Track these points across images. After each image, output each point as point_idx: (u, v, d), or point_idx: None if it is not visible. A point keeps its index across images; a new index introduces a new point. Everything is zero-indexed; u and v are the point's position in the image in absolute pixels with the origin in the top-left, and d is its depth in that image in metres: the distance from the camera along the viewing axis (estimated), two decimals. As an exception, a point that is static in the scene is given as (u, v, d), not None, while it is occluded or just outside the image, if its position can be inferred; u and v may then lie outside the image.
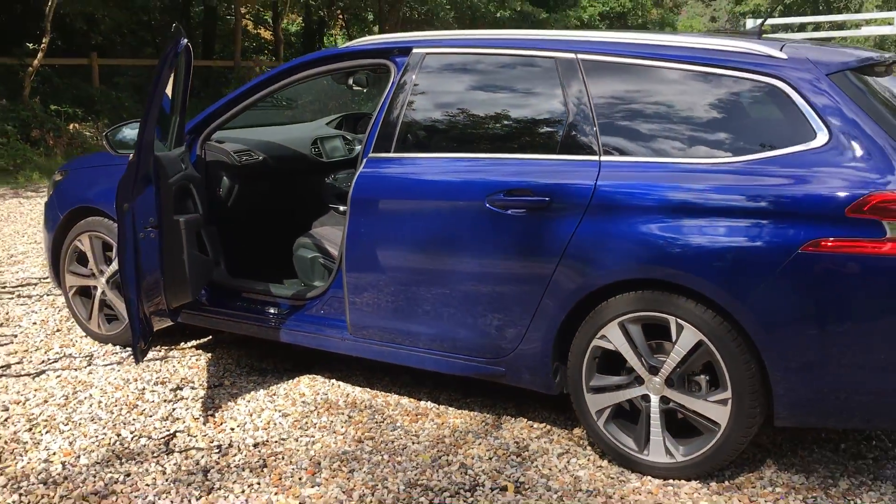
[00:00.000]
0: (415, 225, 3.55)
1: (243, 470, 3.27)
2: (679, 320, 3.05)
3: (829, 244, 2.80)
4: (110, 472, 3.24)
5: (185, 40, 3.49)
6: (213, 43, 21.25)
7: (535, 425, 3.65)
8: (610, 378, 3.26)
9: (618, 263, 3.13)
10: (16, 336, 4.84)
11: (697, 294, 3.00)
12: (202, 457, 3.38)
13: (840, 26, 21.99)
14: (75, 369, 4.30)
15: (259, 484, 3.16)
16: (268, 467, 3.29)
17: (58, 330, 4.93)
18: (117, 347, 4.59)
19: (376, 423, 3.69)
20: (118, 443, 3.49)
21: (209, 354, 4.51)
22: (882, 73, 3.40)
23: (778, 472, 3.23)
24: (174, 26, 3.47)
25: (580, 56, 3.38)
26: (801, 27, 27.24)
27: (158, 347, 4.58)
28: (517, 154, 3.43)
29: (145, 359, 4.31)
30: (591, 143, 3.26)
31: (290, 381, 4.15)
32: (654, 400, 3.16)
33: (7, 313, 5.26)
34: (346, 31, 25.71)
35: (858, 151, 2.86)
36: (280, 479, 3.20)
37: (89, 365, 4.37)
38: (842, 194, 2.82)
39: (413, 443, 3.50)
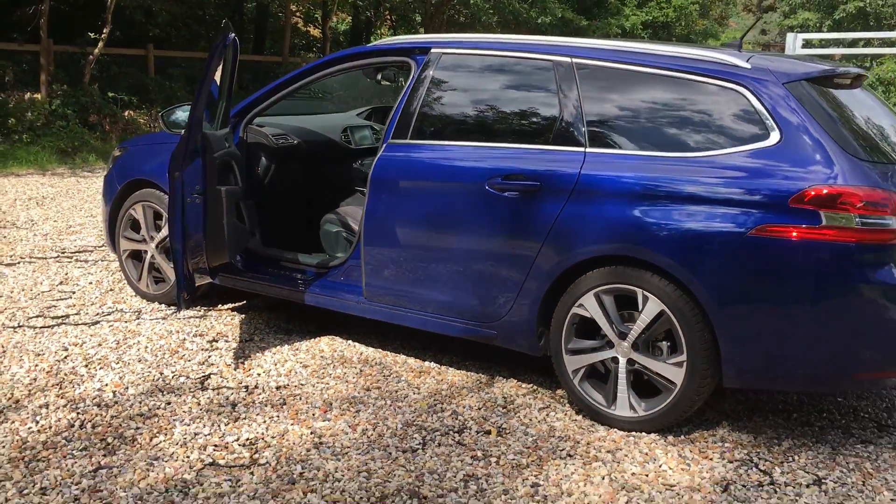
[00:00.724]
0: (424, 203, 4.05)
1: (266, 406, 3.80)
2: (645, 292, 3.51)
3: (774, 230, 3.25)
4: (153, 400, 3.79)
5: (233, 35, 4.04)
6: (264, 39, 22.00)
7: (523, 385, 4.13)
8: (585, 342, 3.74)
9: (595, 241, 3.60)
10: (74, 293, 5.44)
11: (661, 270, 3.46)
12: (231, 394, 3.91)
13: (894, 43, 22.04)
14: (125, 321, 4.88)
15: (278, 417, 3.69)
16: (287, 405, 3.82)
17: (111, 289, 5.52)
18: (163, 306, 5.16)
19: (384, 376, 4.20)
20: (161, 379, 4.04)
21: (243, 315, 5.06)
22: (846, 86, 3.85)
23: (730, 432, 3.68)
24: (224, 22, 4.02)
25: (575, 60, 3.86)
26: (853, 43, 27.12)
27: (199, 308, 5.14)
28: (515, 143, 3.92)
29: (187, 315, 4.87)
30: (579, 135, 3.74)
31: (312, 339, 4.68)
32: (622, 362, 3.63)
33: (66, 274, 5.87)
34: (394, 31, 26.33)
35: (804, 151, 3.30)
36: (296, 414, 3.72)
37: (138, 318, 4.94)
38: (786, 187, 3.27)
39: (414, 393, 4.00)
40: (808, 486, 3.23)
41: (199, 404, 3.78)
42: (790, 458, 3.46)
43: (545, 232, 3.70)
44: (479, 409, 3.86)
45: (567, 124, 3.79)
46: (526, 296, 3.80)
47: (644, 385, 3.66)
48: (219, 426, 3.57)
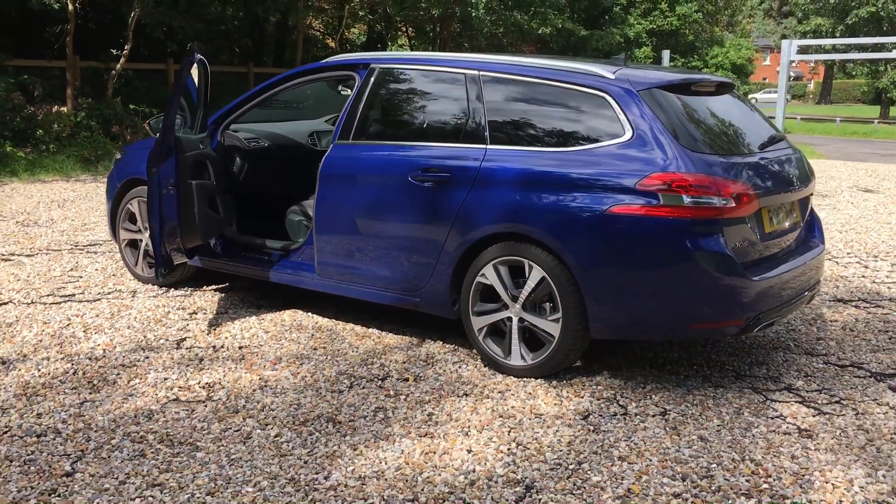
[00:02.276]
0: (362, 194, 4.86)
1: (227, 360, 4.63)
2: (530, 262, 4.29)
3: (625, 208, 4.02)
4: (135, 355, 4.64)
5: (199, 55, 4.88)
6: (283, 52, 23.05)
7: (447, 345, 4.92)
8: (487, 305, 4.52)
9: (491, 222, 4.38)
10: (81, 277, 6.32)
11: (541, 244, 4.24)
12: (200, 351, 4.75)
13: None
14: (122, 299, 5.74)
15: (235, 367, 4.51)
16: (244, 359, 4.64)
17: (114, 274, 6.40)
18: (155, 287, 6.01)
19: (331, 339, 5.01)
20: (144, 341, 4.89)
21: (222, 294, 5.91)
22: (709, 93, 4.61)
23: (606, 378, 4.44)
24: (189, 45, 4.86)
25: (481, 73, 4.65)
26: (863, 48, 27.45)
27: (186, 287, 6.00)
28: (433, 142, 4.72)
29: (175, 293, 5.73)
30: (482, 134, 4.53)
31: (277, 311, 5.51)
32: (515, 320, 4.41)
33: (76, 262, 6.76)
34: (410, 43, 27.29)
35: (649, 145, 4.07)
36: (251, 366, 4.55)
37: (133, 296, 5.80)
38: (634, 174, 4.03)
39: (353, 351, 4.81)
40: (653, 416, 3.98)
41: (172, 359, 4.62)
42: (648, 397, 4.22)
43: (454, 215, 4.49)
44: (404, 362, 4.65)
45: (473, 125, 4.58)
46: (440, 269, 4.59)
47: (534, 340, 4.42)
48: (185, 374, 4.40)
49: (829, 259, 7.54)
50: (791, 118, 35.18)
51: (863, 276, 6.90)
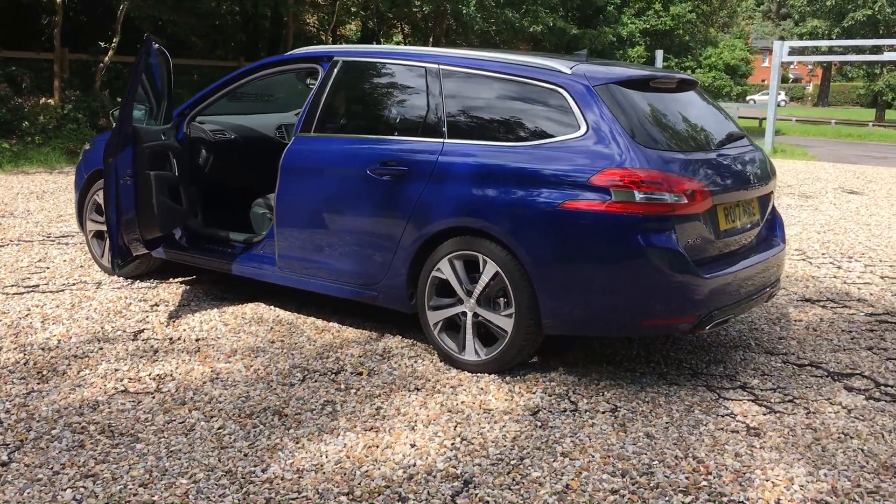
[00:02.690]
0: (322, 187, 4.84)
1: (182, 352, 4.61)
2: (484, 257, 4.27)
3: (577, 204, 4.00)
4: (90, 346, 4.62)
5: (157, 45, 4.86)
6: (277, 46, 23.01)
7: (406, 339, 4.90)
8: (443, 300, 4.50)
9: (447, 216, 4.36)
10: (48, 268, 6.29)
11: (495, 238, 4.22)
12: (156, 343, 4.73)
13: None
14: (86, 290, 5.72)
15: (189, 360, 4.49)
16: (199, 351, 4.62)
17: (81, 266, 6.37)
18: (120, 278, 5.99)
19: (289, 332, 4.99)
20: (101, 332, 4.86)
21: (187, 286, 5.88)
22: (669, 89, 4.59)
23: (561, 374, 4.42)
24: (146, 35, 4.84)
25: (441, 66, 4.63)
26: (860, 50, 27.42)
27: (151, 280, 5.98)
28: (392, 135, 4.70)
29: (140, 285, 5.70)
30: (440, 128, 4.51)
31: (240, 304, 5.49)
32: (469, 315, 4.39)
33: (46, 253, 6.73)
34: (405, 40, 27.26)
35: (602, 140, 4.05)
36: (205, 358, 4.53)
37: (98, 288, 5.78)
38: (587, 169, 4.01)
39: (310, 345, 4.79)
40: (603, 413, 3.97)
41: (126, 350, 4.60)
42: (600, 394, 4.20)
43: (410, 209, 4.47)
44: (360, 356, 4.63)
45: (432, 119, 4.56)
46: (397, 262, 4.57)
47: (489, 335, 4.40)
48: (137, 365, 4.38)
49: (803, 259, 7.53)
50: (786, 120, 35.17)
51: (834, 277, 6.88)
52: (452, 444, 3.61)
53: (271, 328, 5.05)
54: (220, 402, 3.96)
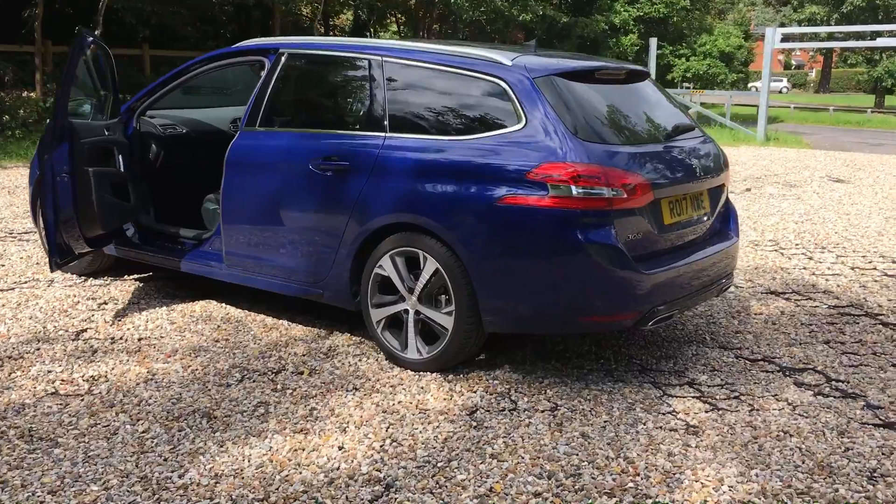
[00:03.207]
0: (265, 183, 4.75)
1: (122, 352, 4.53)
2: (425, 253, 4.18)
3: (515, 199, 3.90)
4: (27, 347, 4.54)
5: (91, 38, 4.76)
6: (269, 35, 22.90)
7: (354, 337, 4.82)
8: (386, 297, 4.41)
9: (387, 212, 4.27)
10: (3, 265, 6.22)
11: (435, 235, 4.13)
12: (97, 343, 4.65)
13: None
14: (36, 288, 5.64)
15: (127, 360, 4.41)
16: (140, 351, 4.54)
17: (37, 263, 6.30)
18: (74, 277, 5.91)
19: (236, 331, 4.91)
20: (42, 332, 4.79)
21: (140, 284, 5.81)
22: (619, 80, 4.49)
23: (506, 373, 4.33)
24: (77, 29, 4.74)
25: (385, 59, 4.53)
26: (860, 36, 27.04)
27: (105, 277, 5.90)
28: (335, 129, 4.60)
29: (92, 283, 5.62)
30: (382, 122, 4.41)
31: (190, 302, 5.40)
32: (411, 313, 4.30)
33: (4, 250, 6.66)
34: (399, 30, 27.14)
35: (541, 134, 3.95)
36: (144, 358, 4.45)
37: (49, 286, 5.70)
38: (524, 164, 3.92)
39: (255, 343, 4.71)
40: (542, 412, 3.88)
41: (65, 350, 4.52)
42: (543, 392, 4.11)
43: (351, 205, 4.38)
44: (304, 355, 4.55)
45: (374, 113, 4.46)
46: (341, 259, 4.49)
47: (431, 333, 4.32)
48: (72, 366, 4.30)
49: (776, 250, 7.43)
50: (784, 107, 34.94)
51: (804, 268, 6.78)
52: (381, 446, 3.53)
53: (218, 326, 4.97)
54: (149, 404, 3.88)
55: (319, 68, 4.89)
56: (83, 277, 5.89)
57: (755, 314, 5.48)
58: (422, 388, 4.13)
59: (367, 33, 25.80)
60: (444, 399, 4.01)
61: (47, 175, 4.67)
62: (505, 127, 4.06)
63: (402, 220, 4.23)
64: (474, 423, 3.75)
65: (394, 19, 27.50)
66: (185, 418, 3.75)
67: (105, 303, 5.36)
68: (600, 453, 3.48)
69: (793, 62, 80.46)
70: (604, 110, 4.28)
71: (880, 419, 3.90)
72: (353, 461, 3.39)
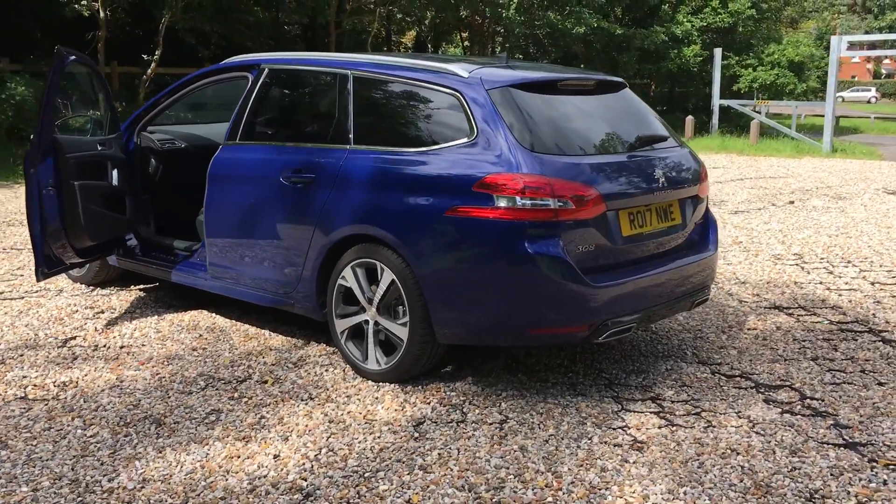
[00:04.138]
0: (242, 195, 4.85)
1: (100, 359, 4.67)
2: (382, 265, 4.20)
3: (463, 210, 3.90)
4: (12, 353, 4.73)
5: (73, 57, 4.95)
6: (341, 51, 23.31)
7: (327, 349, 4.86)
8: (349, 308, 4.45)
9: (348, 223, 4.31)
10: (22, 275, 6.48)
11: (390, 246, 4.15)
12: (81, 350, 4.81)
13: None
14: (43, 297, 5.86)
15: (103, 367, 4.55)
16: (117, 359, 4.68)
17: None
18: (83, 286, 6.13)
19: (216, 340, 5.01)
20: (33, 339, 4.98)
21: (142, 294, 5.98)
22: (580, 92, 4.44)
23: (467, 384, 4.32)
24: (56, 48, 4.92)
25: (353, 72, 4.59)
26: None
27: (113, 287, 6.10)
28: (305, 143, 4.68)
29: (99, 292, 5.82)
30: (347, 134, 4.46)
31: (183, 312, 5.54)
32: (371, 323, 4.33)
33: (28, 261, 6.94)
34: (463, 45, 27.30)
35: (490, 145, 3.94)
36: (118, 365, 4.58)
37: (57, 295, 5.92)
38: (472, 175, 3.91)
39: (229, 353, 4.80)
40: (490, 424, 3.85)
41: (47, 357, 4.69)
42: (497, 405, 4.08)
43: (317, 217, 4.44)
44: (273, 364, 4.61)
45: (341, 126, 4.52)
46: (308, 270, 4.54)
47: (390, 343, 4.33)
48: (48, 372, 4.46)
49: (796, 264, 7.20)
50: (864, 117, 33.77)
51: (820, 283, 6.56)
52: (316, 455, 3.56)
53: (200, 336, 5.09)
54: (106, 409, 4.00)
55: (295, 83, 4.98)
56: (91, 287, 6.10)
57: (748, 329, 5.32)
58: (377, 398, 4.15)
59: (429, 49, 26.04)
60: (395, 410, 4.01)
61: (33, 189, 4.86)
62: (458, 139, 4.06)
63: (361, 231, 4.26)
64: (416, 435, 3.75)
65: (458, 35, 27.71)
66: (135, 424, 3.84)
67: (102, 312, 5.54)
68: (531, 467, 3.44)
69: (882, 71, 77.67)
70: (562, 121, 4.23)
71: (844, 439, 3.75)
72: (282, 469, 3.43)
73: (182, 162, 5.97)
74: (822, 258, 7.47)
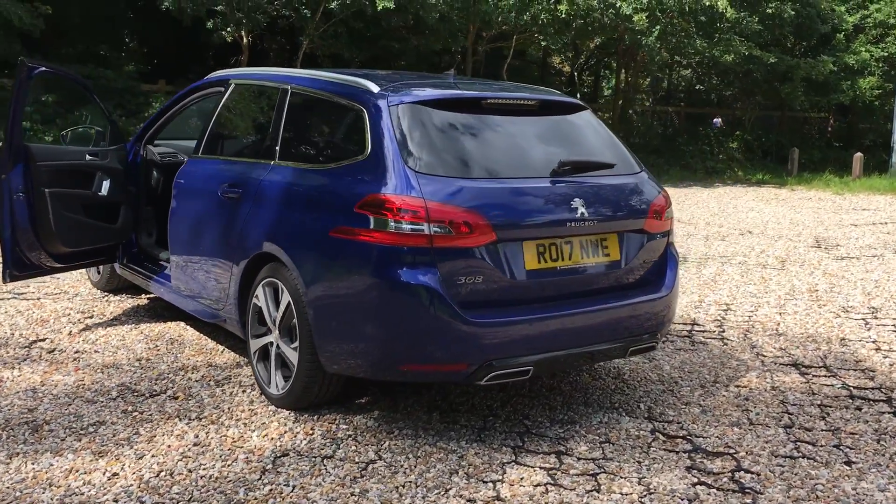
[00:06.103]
0: (192, 208, 4.83)
1: (47, 363, 4.77)
2: (282, 285, 4.03)
3: (344, 230, 3.66)
4: (-25, 352, 4.92)
5: (38, 70, 5.10)
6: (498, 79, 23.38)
7: (263, 369, 4.73)
8: (261, 328, 4.29)
9: (258, 241, 4.17)
10: (59, 277, 6.79)
11: (288, 265, 3.97)
12: (35, 353, 4.93)
13: None
14: (53, 298, 6.11)
15: (40, 370, 4.63)
16: (60, 363, 4.76)
17: (79, 279, 6.81)
18: (96, 291, 6.34)
19: (167, 352, 5.00)
20: (6, 338, 5.16)
21: (144, 303, 6.10)
22: (515, 112, 4.09)
23: (366, 419, 4.04)
24: (20, 60, 5.09)
25: (290, 87, 4.46)
26: None
27: (125, 294, 6.28)
28: (241, 157, 4.60)
29: (108, 298, 6.00)
30: (274, 150, 4.34)
31: (164, 323, 5.58)
32: (274, 346, 4.15)
33: (73, 266, 7.28)
34: (618, 70, 26.58)
35: (377, 164, 3.68)
36: (55, 370, 4.64)
37: (70, 299, 6.15)
38: (355, 194, 3.67)
39: (167, 365, 4.76)
40: (357, 463, 3.56)
41: (15, 357, 4.81)
42: (382, 443, 3.77)
43: (238, 233, 4.33)
44: (198, 380, 4.53)
45: (271, 141, 4.40)
46: (232, 286, 4.44)
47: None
48: (14, 367, 4.59)
49: (863, 319, 6.33)
50: None
51: (872, 342, 5.72)
52: (151, 477, 3.42)
53: (155, 346, 5.09)
54: (2, 411, 4.05)
55: (249, 98, 4.93)
56: (103, 294, 6.30)
57: (735, 387, 4.69)
58: (264, 424, 3.96)
59: (582, 76, 25.56)
60: (271, 439, 3.81)
61: (4, 194, 5.05)
62: (357, 156, 3.84)
63: (269, 250, 4.11)
64: (268, 468, 3.53)
65: (612, 62, 27.00)
66: (12, 428, 3.86)
67: (91, 317, 5.68)
68: (349, 514, 3.13)
69: None
70: (472, 142, 3.88)
71: (746, 523, 3.18)
72: (104, 489, 3.32)
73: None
74: (873, 308, 6.54)
